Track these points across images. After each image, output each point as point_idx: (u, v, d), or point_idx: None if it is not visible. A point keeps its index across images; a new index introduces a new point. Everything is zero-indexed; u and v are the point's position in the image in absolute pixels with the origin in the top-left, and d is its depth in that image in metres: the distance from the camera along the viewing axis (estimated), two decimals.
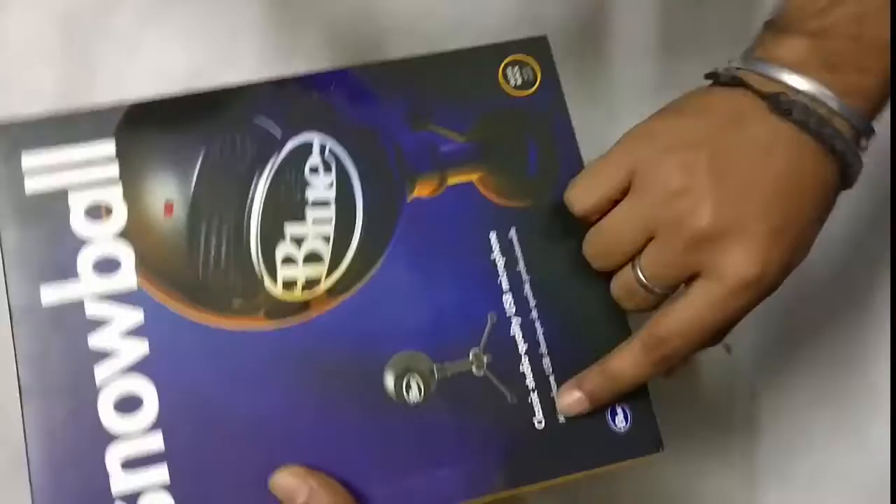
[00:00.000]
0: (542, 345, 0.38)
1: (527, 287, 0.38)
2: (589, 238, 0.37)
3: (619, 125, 0.38)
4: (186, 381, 0.35)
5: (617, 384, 0.36)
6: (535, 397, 0.37)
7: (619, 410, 0.38)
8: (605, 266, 0.37)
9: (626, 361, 0.36)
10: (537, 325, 0.38)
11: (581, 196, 0.37)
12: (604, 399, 0.36)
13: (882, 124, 0.37)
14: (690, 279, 0.35)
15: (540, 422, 0.37)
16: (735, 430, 0.54)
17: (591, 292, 0.39)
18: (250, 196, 0.37)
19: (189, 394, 0.35)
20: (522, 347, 0.38)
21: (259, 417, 0.35)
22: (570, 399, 0.36)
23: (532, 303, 0.38)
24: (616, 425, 0.37)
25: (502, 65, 0.41)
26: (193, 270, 0.36)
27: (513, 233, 0.39)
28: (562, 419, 0.37)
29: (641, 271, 0.36)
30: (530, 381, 0.37)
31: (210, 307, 0.36)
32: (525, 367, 0.37)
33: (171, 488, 0.34)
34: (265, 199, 0.38)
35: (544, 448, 0.37)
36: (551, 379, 0.37)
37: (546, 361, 0.38)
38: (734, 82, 0.36)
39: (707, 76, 0.38)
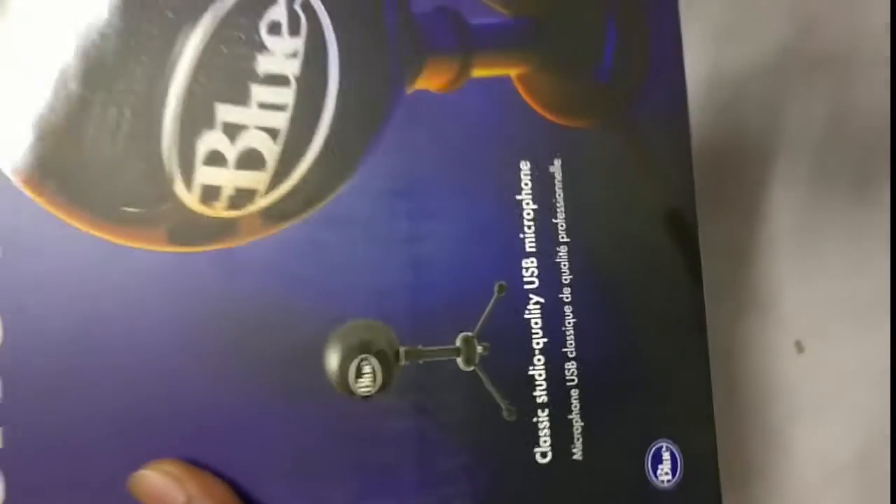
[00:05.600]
0: (569, 341, 0.25)
1: (562, 252, 0.25)
2: None
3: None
4: (40, 311, 0.24)
5: None
6: (543, 417, 0.25)
7: (667, 454, 0.25)
8: None
9: None
10: (567, 311, 0.25)
11: None
12: None
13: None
14: None
15: (545, 455, 0.25)
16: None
17: (660, 279, 0.25)
18: (174, 56, 0.25)
19: (41, 329, 0.24)
20: (539, 341, 0.25)
21: (135, 378, 0.24)
22: None
23: (565, 277, 0.25)
24: (657, 477, 0.25)
25: None
26: (75, 153, 0.25)
27: (556, 166, 0.26)
28: (577, 454, 0.25)
29: None
30: (541, 394, 0.25)
31: (91, 210, 0.25)
32: (538, 369, 0.25)
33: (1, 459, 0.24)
34: (195, 64, 0.25)
35: (544, 493, 0.25)
36: (573, 394, 0.25)
37: (571, 366, 0.25)
38: None
39: None
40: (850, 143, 0.43)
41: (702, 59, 0.39)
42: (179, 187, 0.25)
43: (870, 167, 0.44)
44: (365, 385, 0.25)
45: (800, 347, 0.44)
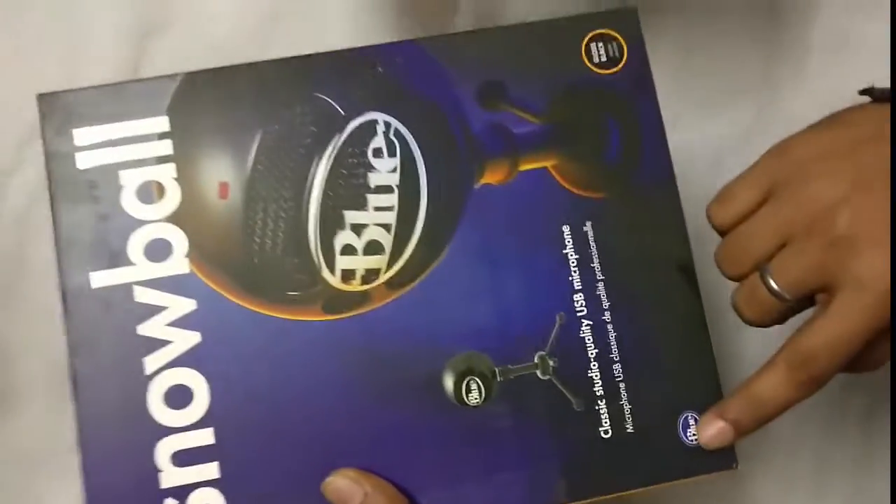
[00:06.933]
0: (613, 350, 0.35)
1: (600, 287, 0.36)
2: (723, 243, 0.36)
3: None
4: (238, 376, 0.34)
5: (762, 410, 0.34)
6: (602, 405, 0.35)
7: (692, 422, 0.35)
8: (734, 272, 0.36)
9: (769, 383, 0.34)
10: (609, 328, 0.35)
11: (720, 210, 0.36)
12: (749, 427, 0.34)
13: None
14: (824, 290, 0.34)
15: (606, 432, 0.35)
16: None
17: (671, 296, 0.36)
18: (309, 180, 0.35)
19: (241, 389, 0.33)
20: (592, 352, 0.35)
21: (312, 415, 0.34)
22: (713, 430, 0.34)
23: (605, 304, 0.35)
24: (688, 438, 0.35)
25: (585, 39, 0.37)
26: (248, 258, 0.34)
27: (588, 226, 0.36)
28: (630, 429, 0.35)
29: (772, 276, 0.34)
30: (598, 388, 0.35)
31: (265, 297, 0.34)
32: (594, 372, 0.35)
33: (221, 485, 0.33)
34: (325, 184, 0.35)
35: (610, 459, 0.35)
36: (621, 386, 0.35)
37: (617, 367, 0.35)
38: (886, 96, 0.35)
39: (862, 92, 0.37)
40: None
41: (691, 129, 0.49)
42: (326, 273, 0.35)
43: None
44: (474, 398, 0.34)
45: None
